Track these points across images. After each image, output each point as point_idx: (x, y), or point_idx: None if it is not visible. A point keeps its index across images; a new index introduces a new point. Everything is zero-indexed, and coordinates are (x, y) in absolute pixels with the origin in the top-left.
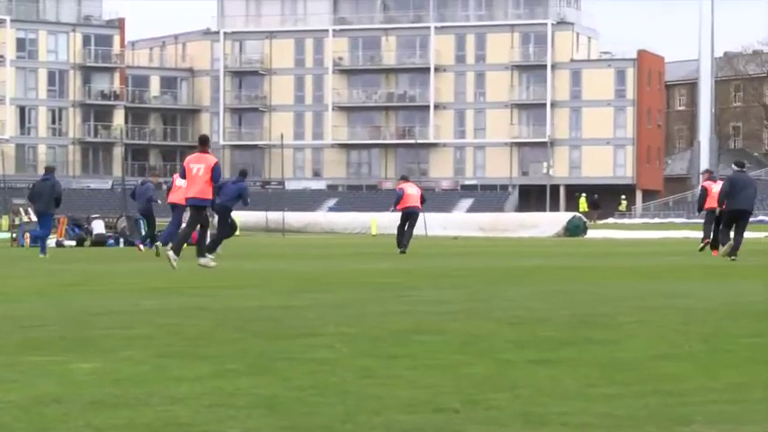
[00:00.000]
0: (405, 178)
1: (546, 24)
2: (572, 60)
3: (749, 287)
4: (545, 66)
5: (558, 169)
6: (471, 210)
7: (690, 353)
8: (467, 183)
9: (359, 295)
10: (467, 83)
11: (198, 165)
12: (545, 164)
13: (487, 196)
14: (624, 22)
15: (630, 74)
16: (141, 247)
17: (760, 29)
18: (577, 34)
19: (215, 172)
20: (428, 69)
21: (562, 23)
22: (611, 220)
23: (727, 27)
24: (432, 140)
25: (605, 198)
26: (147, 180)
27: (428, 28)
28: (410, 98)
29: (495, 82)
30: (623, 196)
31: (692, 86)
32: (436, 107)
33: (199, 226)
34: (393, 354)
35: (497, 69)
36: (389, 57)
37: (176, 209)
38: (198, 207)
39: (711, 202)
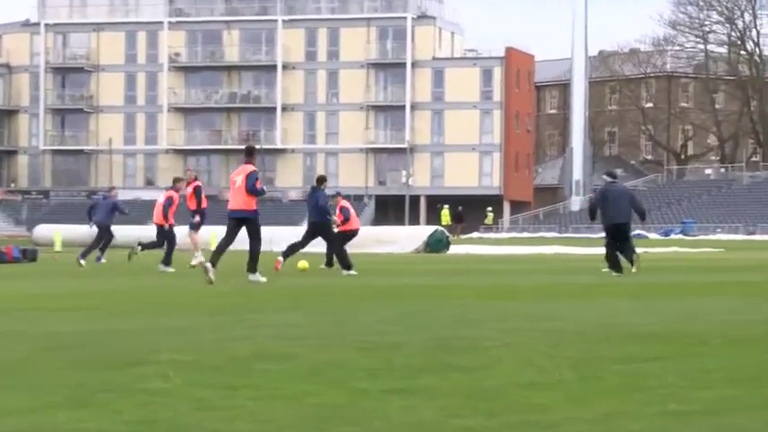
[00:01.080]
0: (339, 194)
1: (405, 18)
2: (434, 58)
3: (622, 307)
4: (404, 64)
5: (419, 178)
6: None
7: (559, 380)
8: None
9: (195, 319)
10: (318, 82)
11: (239, 176)
12: (404, 172)
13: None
14: (491, 18)
15: (498, 74)
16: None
17: (637, 26)
18: (440, 30)
19: (249, 180)
20: (275, 67)
21: (423, 18)
22: (475, 235)
23: (602, 24)
24: (279, 146)
25: (470, 210)
26: (108, 195)
27: (275, 21)
28: (255, 99)
29: (349, 81)
30: (489, 208)
31: (564, 88)
32: (284, 109)
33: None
34: (233, 384)
35: (352, 67)
36: (232, 53)
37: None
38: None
39: None
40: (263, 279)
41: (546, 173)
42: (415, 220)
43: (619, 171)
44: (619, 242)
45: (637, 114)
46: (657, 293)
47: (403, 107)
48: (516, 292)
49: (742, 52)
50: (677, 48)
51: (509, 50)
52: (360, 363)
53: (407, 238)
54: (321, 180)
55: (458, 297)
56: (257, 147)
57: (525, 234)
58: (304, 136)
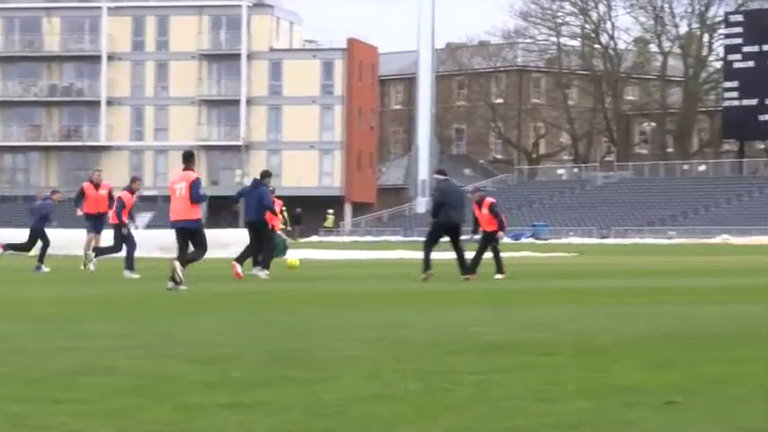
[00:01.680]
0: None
1: (240, 7)
2: (271, 50)
3: (473, 315)
4: (239, 55)
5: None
6: (152, 226)
7: (405, 393)
8: (145, 193)
9: (14, 328)
10: (146, 74)
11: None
12: (238, 171)
13: (168, 210)
14: (332, 7)
15: (339, 66)
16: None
17: (486, 17)
18: (278, 19)
19: (194, 189)
20: (99, 58)
21: (259, 6)
22: (315, 238)
23: (450, 15)
24: (103, 142)
25: (309, 212)
26: (48, 197)
27: (99, 8)
28: (77, 92)
29: (179, 74)
30: (330, 210)
31: (409, 82)
32: (109, 103)
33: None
34: (54, 398)
35: (182, 59)
36: (52, 42)
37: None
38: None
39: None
40: (171, 285)
41: (390, 172)
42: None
43: (467, 171)
44: (453, 242)
45: (486, 110)
46: (509, 301)
47: (238, 102)
48: (360, 300)
49: (596, 45)
50: (529, 40)
51: (351, 42)
52: (192, 375)
53: (242, 241)
54: (266, 175)
55: (296, 305)
56: (80, 144)
57: (368, 238)
58: (131, 132)
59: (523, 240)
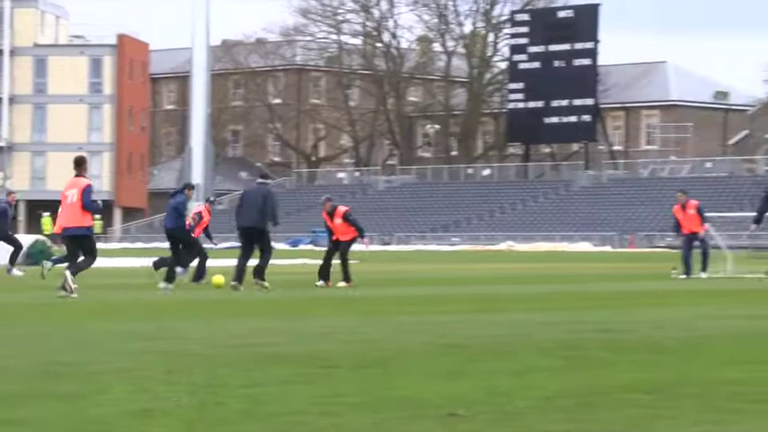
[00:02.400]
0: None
1: (2, 0)
2: (36, 45)
3: (257, 326)
4: (1, 51)
5: (18, 181)
6: None
7: (176, 407)
8: None
9: None
10: None
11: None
12: (0, 174)
13: None
14: (100, 1)
15: (108, 63)
16: None
17: (264, 14)
18: (42, 13)
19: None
20: None
21: (23, 0)
22: None
23: (226, 11)
24: None
25: None
26: (3, 201)
27: None
28: None
29: None
30: (98, 215)
31: (182, 81)
32: None
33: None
34: None
35: None
36: None
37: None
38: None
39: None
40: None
41: (162, 175)
42: (12, 228)
43: (244, 174)
44: (258, 248)
45: (264, 111)
46: (292, 311)
47: (0, 100)
48: (134, 310)
49: (378, 44)
50: (308, 38)
51: (121, 38)
52: None
53: (4, 247)
54: (188, 186)
55: (69, 315)
56: None
57: (139, 244)
58: None
59: (302, 247)
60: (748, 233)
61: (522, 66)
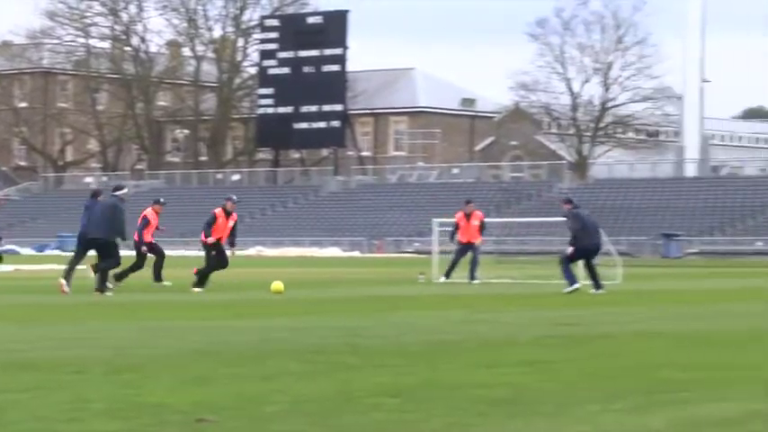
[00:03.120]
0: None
1: None
2: None
3: (6, 333)
4: None
5: None
6: None
7: None
8: None
9: None
10: None
11: None
12: None
13: None
14: None
15: None
16: None
17: (10, 16)
18: None
19: None
20: None
21: None
22: None
23: None
24: None
25: None
26: None
27: None
28: None
29: None
30: None
31: None
32: None
33: None
34: None
35: None
36: None
37: None
38: None
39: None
40: None
41: None
42: None
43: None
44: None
45: (9, 115)
46: (45, 317)
47: None
48: None
49: (127, 48)
50: (55, 41)
51: None
52: None
53: None
54: (98, 193)
55: None
56: None
57: None
58: None
59: (48, 252)
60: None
61: (272, 71)
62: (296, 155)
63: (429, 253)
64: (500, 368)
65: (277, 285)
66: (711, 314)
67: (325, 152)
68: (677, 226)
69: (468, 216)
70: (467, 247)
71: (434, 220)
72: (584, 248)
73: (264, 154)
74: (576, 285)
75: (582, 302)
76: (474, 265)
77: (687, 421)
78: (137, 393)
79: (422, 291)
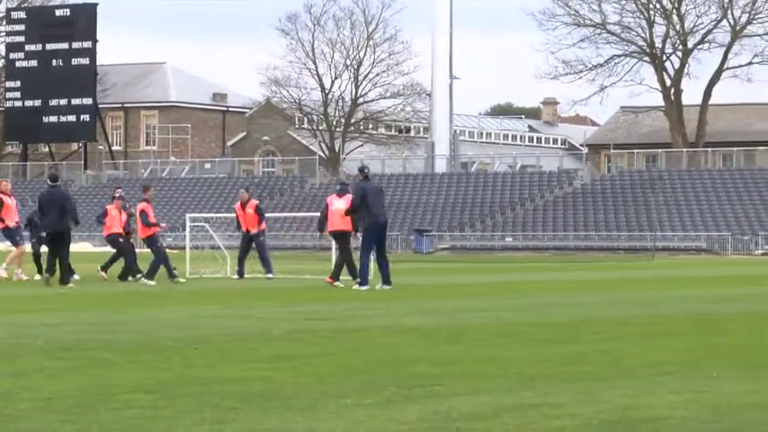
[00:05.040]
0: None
1: None
2: None
3: None
4: None
5: None
6: None
7: None
8: None
9: None
10: None
11: None
12: None
13: None
14: None
15: None
16: None
17: None
18: None
19: None
20: None
21: None
22: None
23: None
24: None
25: None
26: None
27: None
28: None
29: None
30: None
31: None
32: None
33: None
34: None
35: None
36: None
37: None
38: None
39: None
40: None
41: None
42: None
43: None
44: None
45: None
46: None
47: None
48: None
49: None
50: None
51: None
52: None
53: None
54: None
55: None
56: None
57: None
58: None
59: None
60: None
61: (19, 64)
62: (45, 149)
63: (183, 248)
64: (254, 363)
65: None
66: (462, 308)
67: (74, 146)
68: (428, 222)
69: (243, 205)
70: (248, 236)
71: (188, 215)
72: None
73: (13, 148)
74: (367, 287)
75: (334, 297)
76: (264, 260)
77: (440, 415)
78: None
79: (175, 287)
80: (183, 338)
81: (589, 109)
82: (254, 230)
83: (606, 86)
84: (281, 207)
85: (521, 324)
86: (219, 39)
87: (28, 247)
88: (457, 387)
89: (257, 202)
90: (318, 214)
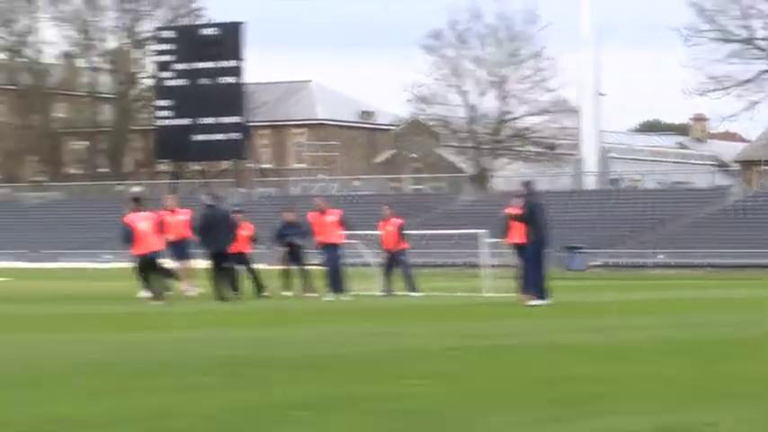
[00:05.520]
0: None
1: None
2: None
3: None
4: None
5: None
6: None
7: None
8: None
9: None
10: None
11: None
12: None
13: None
14: None
15: None
16: None
17: None
18: None
19: None
20: None
21: None
22: None
23: None
24: None
25: None
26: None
27: None
28: None
29: None
30: None
31: None
32: None
33: None
34: None
35: None
36: None
37: None
38: None
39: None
40: None
41: None
42: None
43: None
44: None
45: None
46: None
47: None
48: None
49: (23, 59)
50: None
51: None
52: None
53: None
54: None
55: None
56: None
57: None
58: None
59: None
60: None
61: (169, 83)
62: (195, 167)
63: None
64: (410, 379)
65: None
66: (620, 326)
67: (225, 164)
68: (578, 239)
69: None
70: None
71: (341, 232)
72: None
73: (165, 166)
74: (546, 301)
75: (489, 315)
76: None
77: None
78: (40, 404)
79: (322, 305)
80: (340, 355)
81: (738, 125)
82: (395, 248)
83: (757, 102)
84: (429, 224)
85: (681, 342)
86: (363, 56)
87: (193, 262)
88: (616, 405)
89: (401, 220)
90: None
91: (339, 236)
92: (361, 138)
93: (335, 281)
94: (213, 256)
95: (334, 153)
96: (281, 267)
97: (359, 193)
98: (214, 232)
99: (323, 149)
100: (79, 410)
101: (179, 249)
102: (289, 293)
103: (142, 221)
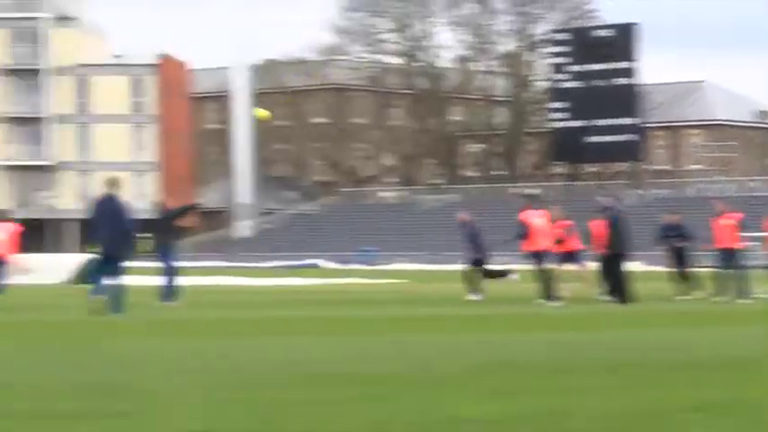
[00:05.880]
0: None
1: (42, 19)
2: (78, 65)
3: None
4: (42, 71)
5: (65, 199)
6: None
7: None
8: None
9: None
10: None
11: None
12: (49, 192)
13: None
14: (141, 20)
15: (150, 83)
16: None
17: (305, 33)
18: (83, 33)
19: None
20: None
21: (63, 19)
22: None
23: (267, 30)
24: None
25: None
26: None
27: None
28: None
29: None
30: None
31: (225, 100)
32: None
33: None
34: None
35: None
36: None
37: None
38: None
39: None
40: None
41: (209, 195)
42: (58, 246)
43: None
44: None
45: (308, 130)
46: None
47: (40, 119)
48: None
49: (419, 63)
50: (348, 57)
51: (162, 57)
52: None
53: (51, 267)
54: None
55: (104, 335)
56: None
57: (199, 263)
58: None
59: (353, 266)
60: None
61: (564, 85)
62: (590, 169)
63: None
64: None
65: (261, 113)
66: None
67: (619, 166)
68: None
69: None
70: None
71: None
72: None
73: (560, 168)
74: None
75: None
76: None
77: None
78: (442, 406)
79: (708, 306)
80: (724, 357)
81: None
82: (732, 246)
83: None
84: None
85: None
86: (754, 56)
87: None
88: None
89: (741, 214)
90: None
91: (736, 239)
92: (758, 138)
93: (738, 284)
94: (611, 258)
95: (732, 154)
96: (672, 270)
97: (755, 194)
98: (621, 234)
99: (719, 150)
100: (475, 410)
101: (570, 256)
102: (699, 295)
103: (536, 218)
